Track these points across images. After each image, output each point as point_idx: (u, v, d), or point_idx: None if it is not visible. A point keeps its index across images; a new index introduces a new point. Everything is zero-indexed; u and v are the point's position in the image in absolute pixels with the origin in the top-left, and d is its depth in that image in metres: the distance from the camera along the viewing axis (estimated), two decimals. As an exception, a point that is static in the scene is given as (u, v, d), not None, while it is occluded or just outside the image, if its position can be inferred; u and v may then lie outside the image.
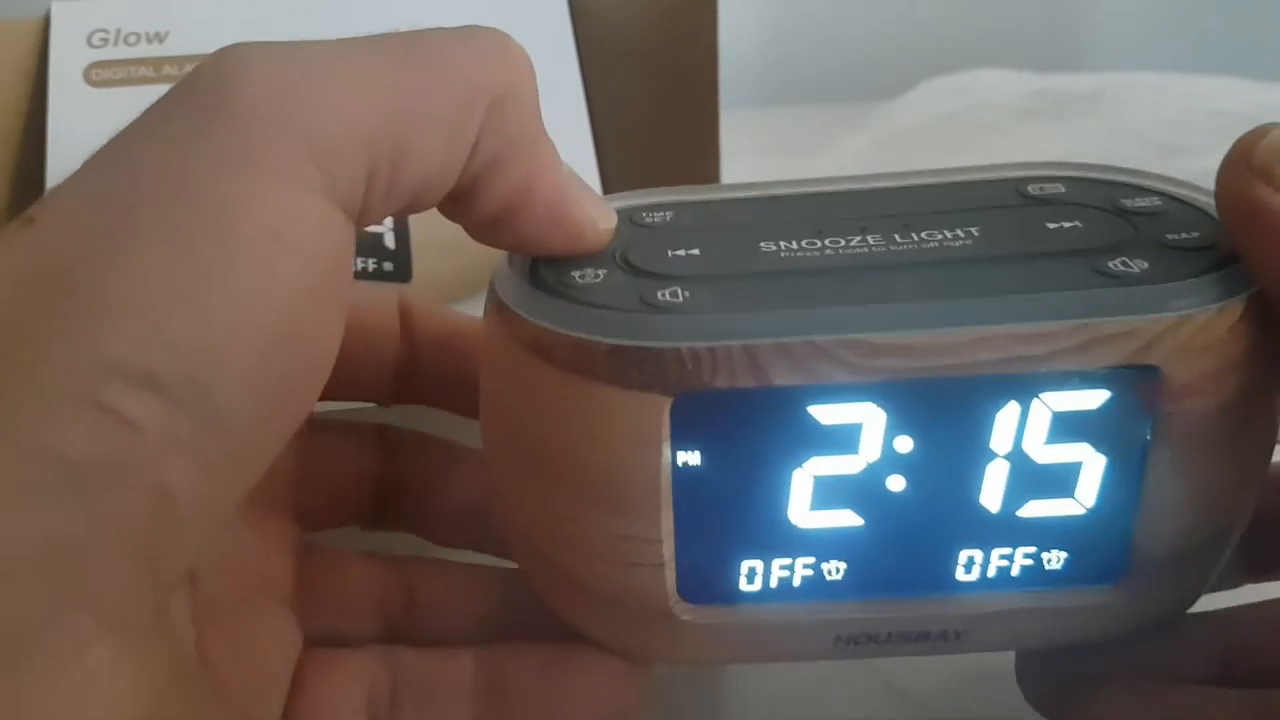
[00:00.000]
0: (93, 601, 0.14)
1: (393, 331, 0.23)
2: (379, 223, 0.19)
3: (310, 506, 0.23)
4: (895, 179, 0.22)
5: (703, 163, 0.38)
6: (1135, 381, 0.18)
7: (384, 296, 0.24)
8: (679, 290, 0.19)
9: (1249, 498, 0.20)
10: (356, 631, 0.23)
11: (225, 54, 0.17)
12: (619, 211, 0.21)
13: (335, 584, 0.23)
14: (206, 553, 0.16)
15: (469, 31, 0.18)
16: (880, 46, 1.05)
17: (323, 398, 0.17)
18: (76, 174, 0.16)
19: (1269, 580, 0.21)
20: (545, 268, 0.20)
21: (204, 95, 0.16)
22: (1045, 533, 0.20)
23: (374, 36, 0.18)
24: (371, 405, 0.25)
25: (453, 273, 0.34)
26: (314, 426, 0.23)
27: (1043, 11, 1.10)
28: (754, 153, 0.72)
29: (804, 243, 0.20)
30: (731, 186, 0.22)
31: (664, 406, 0.18)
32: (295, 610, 0.22)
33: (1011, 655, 0.23)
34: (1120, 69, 0.77)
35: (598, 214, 0.20)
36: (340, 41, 0.17)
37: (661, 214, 0.22)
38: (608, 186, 0.36)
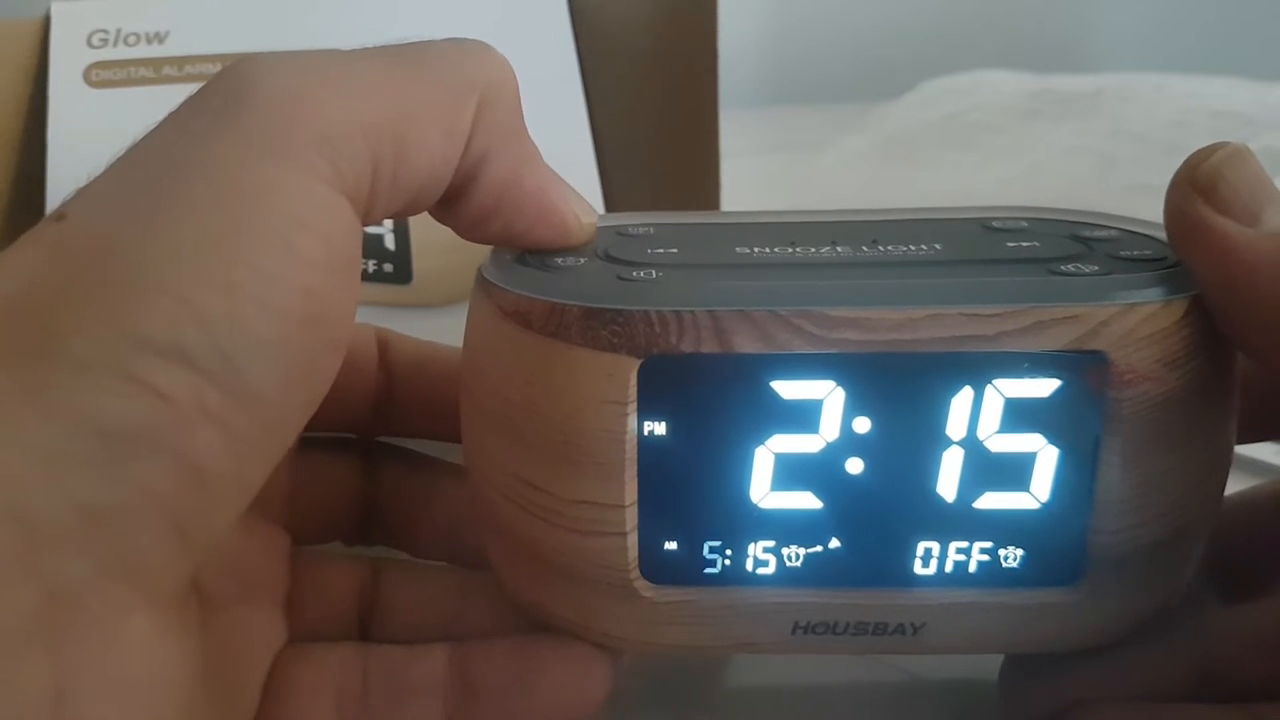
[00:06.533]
0: (131, 571, 0.15)
1: (371, 361, 0.24)
2: (383, 220, 0.19)
3: (299, 522, 0.24)
4: (867, 214, 0.23)
5: (702, 163, 0.38)
6: (1083, 367, 0.19)
7: (362, 329, 0.25)
8: (653, 271, 0.20)
9: (1208, 500, 0.20)
10: (333, 628, 0.23)
11: (243, 61, 0.18)
12: (606, 228, 0.22)
13: (314, 583, 0.23)
14: (232, 526, 0.17)
15: (457, 40, 0.20)
16: (880, 46, 1.05)
17: (306, 427, 0.18)
18: (104, 171, 0.17)
19: (1242, 604, 0.21)
20: (530, 255, 0.21)
21: (225, 95, 0.17)
22: (1002, 527, 0.20)
23: (375, 46, 0.19)
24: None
25: (452, 273, 0.34)
26: (303, 444, 0.23)
27: (1043, 11, 1.10)
28: (754, 153, 0.72)
29: (777, 249, 0.21)
30: (714, 214, 0.24)
31: (632, 368, 0.19)
32: (285, 612, 0.23)
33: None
34: (1120, 69, 0.77)
35: (580, 208, 0.21)
36: (346, 50, 0.19)
37: (646, 228, 0.23)
38: (608, 187, 0.36)
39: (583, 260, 0.21)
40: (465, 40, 0.20)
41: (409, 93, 0.18)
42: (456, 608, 0.23)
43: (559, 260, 0.21)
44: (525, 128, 0.20)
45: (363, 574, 0.24)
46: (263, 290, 0.16)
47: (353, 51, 0.19)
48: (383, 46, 0.19)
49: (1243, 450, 0.28)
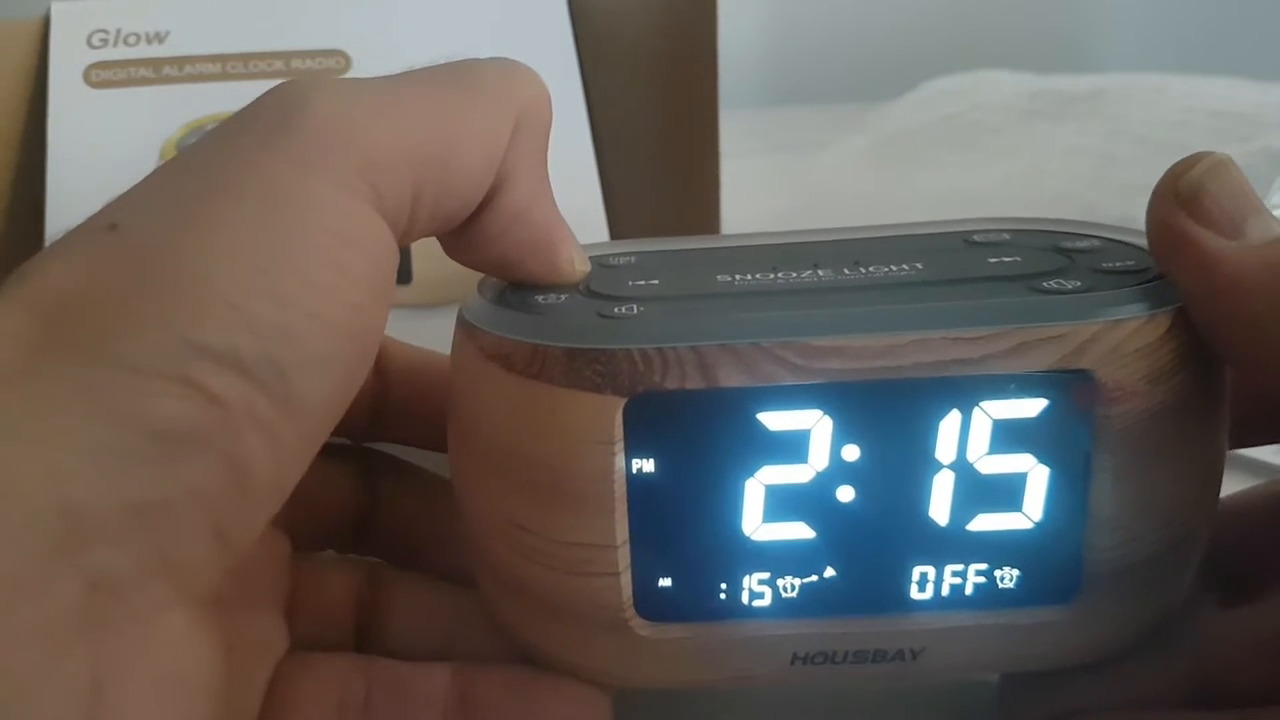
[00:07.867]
0: (171, 569, 0.15)
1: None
2: (419, 239, 0.19)
3: (294, 527, 0.24)
4: (849, 232, 0.23)
5: (703, 163, 0.38)
6: (1070, 386, 0.18)
7: None
8: (634, 306, 0.19)
9: (1200, 513, 0.20)
10: (331, 635, 0.23)
11: (293, 82, 0.18)
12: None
13: (313, 588, 0.23)
14: (262, 530, 0.17)
15: (499, 59, 0.20)
16: (880, 46, 1.05)
17: None
18: (150, 180, 0.17)
19: (1238, 607, 0.21)
20: (511, 294, 0.21)
21: (270, 116, 0.17)
22: (996, 548, 0.20)
23: (422, 69, 0.19)
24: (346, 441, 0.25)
25: (451, 275, 0.34)
26: None
27: (1043, 11, 1.10)
28: (754, 153, 0.72)
29: (758, 275, 0.21)
30: (695, 239, 0.24)
31: (617, 408, 0.18)
32: (287, 617, 0.23)
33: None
34: (1120, 69, 0.77)
35: (576, 254, 0.21)
36: (395, 75, 0.19)
37: (627, 258, 0.23)
38: (608, 187, 0.36)
39: (563, 297, 0.20)
40: (508, 61, 0.20)
41: (455, 120, 0.18)
42: (454, 617, 0.23)
43: (540, 298, 0.20)
44: (546, 157, 0.20)
45: (360, 579, 0.24)
46: (314, 303, 0.16)
47: (401, 76, 0.19)
48: (429, 69, 0.19)
49: (1242, 450, 0.28)
